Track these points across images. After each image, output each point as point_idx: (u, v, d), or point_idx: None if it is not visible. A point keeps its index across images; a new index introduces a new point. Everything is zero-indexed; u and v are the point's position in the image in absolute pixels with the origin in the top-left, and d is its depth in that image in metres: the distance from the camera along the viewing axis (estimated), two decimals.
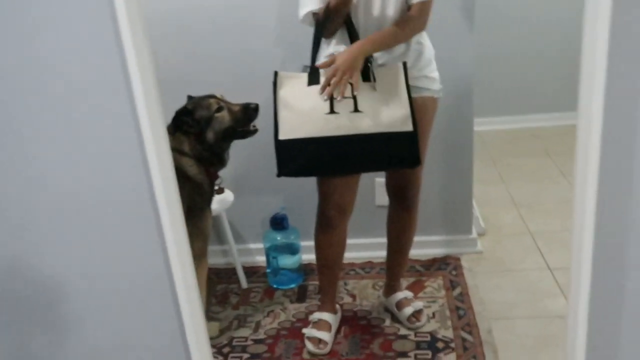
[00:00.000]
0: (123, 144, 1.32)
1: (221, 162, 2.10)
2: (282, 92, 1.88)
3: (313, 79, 1.87)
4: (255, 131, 2.06)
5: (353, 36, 1.88)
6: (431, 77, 2.00)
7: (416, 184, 2.15)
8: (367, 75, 1.87)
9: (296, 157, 1.88)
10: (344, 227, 2.11)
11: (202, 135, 2.01)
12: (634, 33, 1.10)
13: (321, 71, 1.87)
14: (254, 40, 2.49)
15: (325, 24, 1.87)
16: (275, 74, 1.90)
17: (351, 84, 1.81)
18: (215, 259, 2.73)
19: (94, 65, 1.27)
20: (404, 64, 1.89)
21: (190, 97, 2.10)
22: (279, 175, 1.93)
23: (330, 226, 2.09)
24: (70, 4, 1.23)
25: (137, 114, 1.28)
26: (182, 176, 1.99)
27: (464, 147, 2.61)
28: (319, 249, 2.16)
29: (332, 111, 1.83)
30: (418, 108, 1.93)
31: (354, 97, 1.83)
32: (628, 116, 1.15)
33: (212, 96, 2.06)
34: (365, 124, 1.84)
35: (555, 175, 3.57)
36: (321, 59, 1.93)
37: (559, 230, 2.85)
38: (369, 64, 1.87)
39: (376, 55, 1.91)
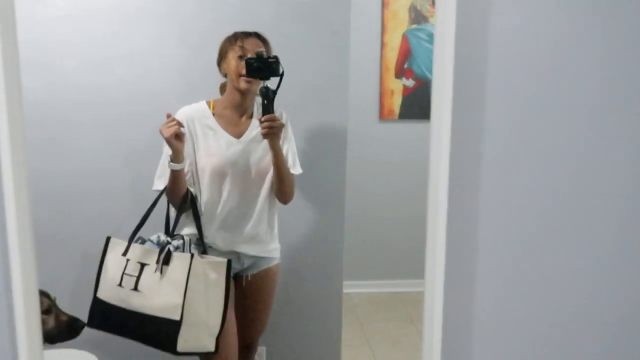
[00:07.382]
0: None
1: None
2: (108, 257, 2.06)
3: (127, 250, 2.03)
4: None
5: (197, 218, 2.07)
6: (277, 247, 2.25)
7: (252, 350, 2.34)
8: (166, 260, 1.98)
9: (99, 314, 2.04)
10: None
11: None
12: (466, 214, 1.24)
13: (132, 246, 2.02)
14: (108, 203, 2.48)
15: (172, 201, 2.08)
16: (108, 239, 2.07)
17: None
18: None
19: None
20: (192, 256, 1.98)
21: None
22: (88, 325, 2.00)
23: None
24: None
25: None
26: None
27: (333, 311, 2.63)
28: None
29: (120, 284, 1.99)
30: (269, 277, 2.22)
31: (138, 277, 1.97)
32: (468, 290, 1.25)
33: (45, 294, 1.93)
34: (136, 302, 1.97)
35: (419, 342, 3.64)
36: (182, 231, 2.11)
37: None
38: (164, 248, 1.98)
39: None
